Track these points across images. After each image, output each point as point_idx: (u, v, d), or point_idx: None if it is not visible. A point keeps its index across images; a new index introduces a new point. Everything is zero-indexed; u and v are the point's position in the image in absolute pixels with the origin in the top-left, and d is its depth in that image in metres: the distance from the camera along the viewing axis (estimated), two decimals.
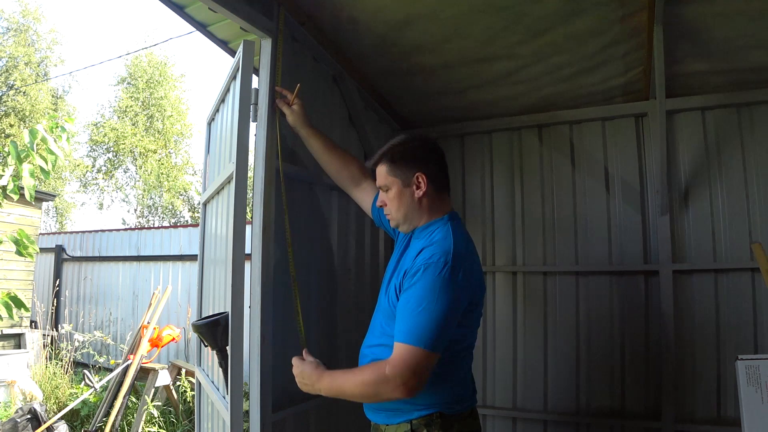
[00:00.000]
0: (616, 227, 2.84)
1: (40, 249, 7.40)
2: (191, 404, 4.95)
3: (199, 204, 8.83)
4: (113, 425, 4.04)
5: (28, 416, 4.08)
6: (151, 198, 18.80)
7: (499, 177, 3.13)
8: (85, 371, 4.28)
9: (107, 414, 4.13)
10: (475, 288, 1.48)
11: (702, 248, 2.64)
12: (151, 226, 16.83)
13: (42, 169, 2.64)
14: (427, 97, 2.86)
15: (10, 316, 2.55)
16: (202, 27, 2.25)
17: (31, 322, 7.67)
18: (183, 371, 5.20)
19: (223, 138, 2.10)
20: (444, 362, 1.43)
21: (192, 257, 7.29)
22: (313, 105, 2.10)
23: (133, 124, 18.51)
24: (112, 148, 18.64)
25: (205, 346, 1.92)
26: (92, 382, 4.11)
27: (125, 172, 19.33)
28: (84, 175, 19.23)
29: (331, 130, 2.34)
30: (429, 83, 2.65)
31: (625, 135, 2.86)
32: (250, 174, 1.79)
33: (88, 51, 43.18)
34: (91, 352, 6.68)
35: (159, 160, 18.71)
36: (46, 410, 4.33)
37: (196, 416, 2.55)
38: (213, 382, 2.11)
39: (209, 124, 2.55)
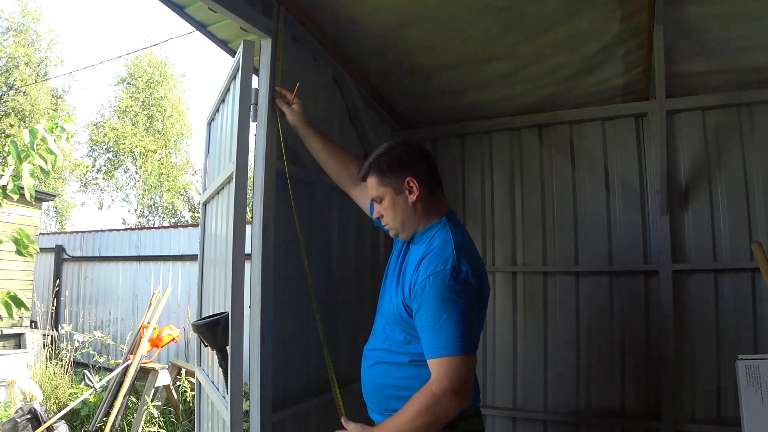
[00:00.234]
0: (616, 227, 2.84)
1: (40, 249, 7.39)
2: (191, 404, 4.95)
3: (199, 204, 8.83)
4: (113, 425, 4.04)
5: (28, 416, 4.08)
6: (151, 198, 18.79)
7: (499, 177, 3.13)
8: (85, 371, 4.27)
9: (107, 414, 4.13)
10: (482, 283, 1.49)
11: (702, 248, 2.64)
12: (152, 226, 16.84)
13: (42, 169, 2.63)
14: (427, 97, 2.85)
15: (10, 316, 2.55)
16: (202, 27, 2.25)
17: (31, 322, 7.67)
18: (183, 371, 5.20)
19: (223, 138, 2.10)
20: None
21: (192, 257, 7.29)
22: (313, 105, 2.10)
23: (133, 124, 18.51)
24: (112, 148, 18.64)
25: (205, 346, 1.92)
26: (92, 382, 4.11)
27: (125, 172, 19.34)
28: (84, 175, 19.23)
29: (331, 130, 2.34)
30: (429, 83, 2.65)
31: (625, 135, 2.86)
32: (250, 174, 1.79)
33: (88, 51, 43.20)
34: (91, 352, 6.68)
35: (159, 160, 18.71)
36: (46, 410, 4.32)
37: (196, 416, 2.55)
38: (213, 382, 2.11)
39: (209, 124, 2.55)
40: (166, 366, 4.94)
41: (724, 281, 2.58)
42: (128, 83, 18.88)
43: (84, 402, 4.77)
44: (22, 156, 2.57)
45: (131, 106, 18.49)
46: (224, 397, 1.78)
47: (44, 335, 7.08)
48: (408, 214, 1.55)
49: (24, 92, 16.64)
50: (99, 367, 6.48)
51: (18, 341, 6.73)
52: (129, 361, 4.27)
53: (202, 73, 44.44)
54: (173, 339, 4.66)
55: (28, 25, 17.26)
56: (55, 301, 7.84)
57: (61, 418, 4.29)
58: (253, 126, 1.83)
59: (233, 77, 1.95)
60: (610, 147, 2.90)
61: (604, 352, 2.79)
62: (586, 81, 2.59)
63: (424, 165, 1.60)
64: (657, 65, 2.19)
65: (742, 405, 1.87)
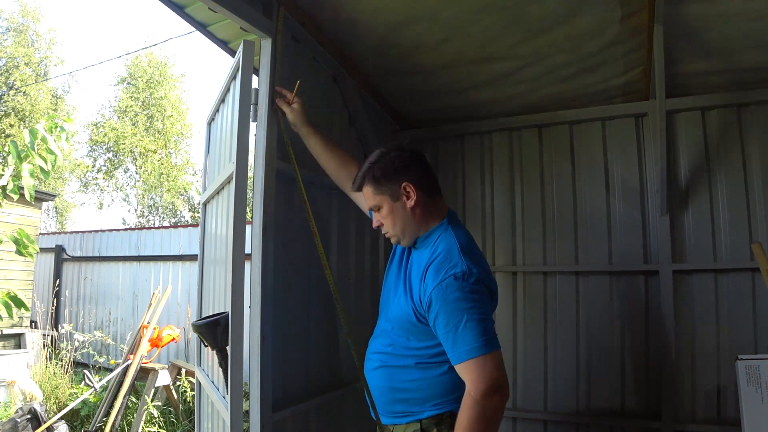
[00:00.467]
0: (616, 227, 2.84)
1: (40, 249, 7.40)
2: (191, 404, 4.95)
3: (199, 204, 8.83)
4: (113, 425, 4.04)
5: (28, 416, 4.07)
6: (151, 198, 18.79)
7: (499, 177, 3.13)
8: (85, 371, 4.27)
9: (107, 414, 4.13)
10: (491, 280, 1.49)
11: (702, 248, 2.64)
12: (152, 226, 16.84)
13: (42, 169, 2.63)
14: (427, 97, 2.85)
15: (10, 316, 2.55)
16: (202, 27, 2.25)
17: (31, 322, 7.67)
18: (183, 371, 5.20)
19: (223, 138, 2.09)
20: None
21: (192, 257, 7.29)
22: (313, 105, 2.10)
23: (133, 124, 18.51)
24: (112, 148, 18.64)
25: (205, 346, 1.92)
26: (92, 382, 4.11)
27: (125, 172, 19.34)
28: (84, 175, 19.23)
29: (331, 130, 2.34)
30: (429, 83, 2.65)
31: (625, 135, 2.86)
32: (250, 174, 1.79)
33: (88, 51, 43.19)
34: (91, 352, 6.67)
35: (159, 160, 18.71)
36: (46, 410, 4.32)
37: (196, 416, 2.55)
38: (213, 382, 2.11)
39: (209, 124, 2.54)
40: (166, 366, 4.94)
41: (724, 281, 2.58)
42: (128, 83, 18.88)
43: (84, 402, 4.77)
44: (22, 156, 2.57)
45: (131, 106, 18.49)
46: (224, 397, 1.78)
47: (44, 335, 7.08)
48: (408, 219, 1.54)
49: (24, 92, 16.63)
50: (99, 367, 6.48)
51: (18, 341, 6.73)
52: (129, 361, 4.27)
53: (202, 73, 44.45)
54: (173, 339, 4.66)
55: (28, 25, 17.26)
56: (55, 301, 7.84)
57: (61, 418, 4.29)
58: (253, 126, 1.83)
59: (233, 77, 1.95)
60: (610, 147, 2.90)
61: (604, 352, 2.79)
62: (586, 81, 2.58)
63: (419, 168, 1.58)
64: (657, 65, 2.19)
65: (742, 405, 1.87)
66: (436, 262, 1.44)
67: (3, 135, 15.96)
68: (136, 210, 19.26)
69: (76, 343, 6.57)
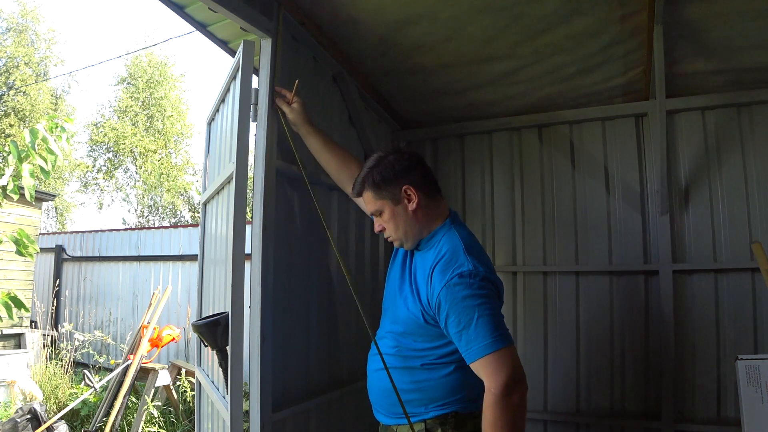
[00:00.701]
0: (616, 227, 2.84)
1: (40, 249, 7.39)
2: (191, 404, 4.95)
3: (199, 204, 8.83)
4: (113, 425, 4.04)
5: (28, 416, 4.07)
6: (151, 198, 18.80)
7: (499, 177, 3.13)
8: (85, 371, 4.27)
9: (107, 414, 4.13)
10: (496, 278, 1.49)
11: (702, 248, 2.64)
12: (152, 226, 16.84)
13: (42, 169, 2.64)
14: (427, 97, 2.85)
15: (10, 316, 2.55)
16: (202, 27, 2.25)
17: (31, 322, 7.67)
18: (183, 371, 5.20)
19: (223, 138, 2.09)
20: (457, 362, 1.44)
21: (192, 257, 7.29)
22: (313, 105, 2.10)
23: (133, 124, 18.51)
24: (112, 148, 18.64)
25: (205, 346, 1.92)
26: (92, 382, 4.11)
27: (125, 172, 19.34)
28: (84, 175, 19.23)
29: (331, 129, 2.34)
30: (429, 83, 2.65)
31: (625, 135, 2.86)
32: (250, 174, 1.79)
33: (88, 51, 43.18)
34: (91, 352, 6.68)
35: (159, 160, 18.72)
36: (46, 410, 4.32)
37: (196, 416, 2.55)
38: (213, 382, 2.11)
39: (209, 124, 2.54)
40: (166, 366, 4.94)
41: (724, 281, 2.58)
42: (128, 83, 18.88)
43: (84, 402, 4.77)
44: (22, 156, 2.57)
45: (131, 106, 18.49)
46: (224, 397, 1.78)
47: (44, 335, 7.08)
48: (410, 222, 1.53)
49: (24, 92, 16.63)
50: (99, 367, 6.48)
51: (18, 341, 6.73)
52: (129, 361, 4.27)
53: (202, 73, 44.45)
54: (173, 339, 4.66)
55: (27, 24, 17.26)
56: (55, 301, 7.84)
57: (61, 418, 4.29)
58: (253, 126, 1.83)
59: (233, 77, 1.95)
60: (610, 147, 2.90)
61: (604, 352, 2.79)
62: (586, 81, 2.59)
63: (419, 170, 1.57)
64: (657, 65, 2.19)
65: (742, 405, 1.87)
66: (441, 262, 1.44)
67: (3, 135, 15.96)
68: (136, 210, 19.27)
69: (76, 343, 6.57)
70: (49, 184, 17.35)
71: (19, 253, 2.60)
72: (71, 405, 4.49)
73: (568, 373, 2.84)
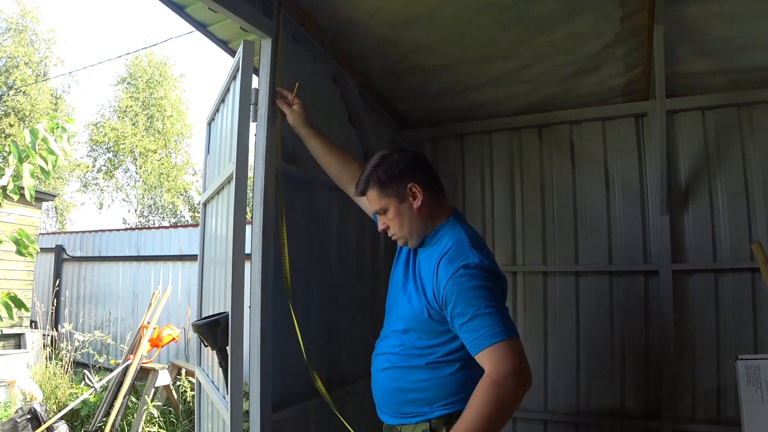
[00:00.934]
0: (616, 227, 2.84)
1: (40, 249, 7.39)
2: (191, 404, 4.95)
3: (199, 204, 8.83)
4: (113, 425, 4.04)
5: (28, 416, 4.07)
6: (151, 198, 18.80)
7: (499, 177, 3.13)
8: (85, 371, 4.27)
9: (107, 414, 4.13)
10: (501, 274, 1.49)
11: (702, 248, 2.64)
12: (152, 225, 16.84)
13: (42, 169, 2.63)
14: (427, 97, 2.86)
15: (10, 316, 2.55)
16: (202, 27, 2.25)
17: (31, 322, 7.67)
18: (183, 371, 5.20)
19: (223, 138, 2.10)
20: (462, 361, 1.44)
21: (192, 257, 7.29)
22: (313, 105, 2.10)
23: (133, 124, 18.51)
24: (112, 148, 18.64)
25: (205, 346, 1.92)
26: (92, 382, 4.11)
27: (125, 172, 19.34)
28: (84, 175, 19.23)
29: (331, 130, 2.34)
30: (429, 83, 2.65)
31: (625, 135, 2.87)
32: (250, 174, 1.79)
33: (88, 51, 43.19)
34: (91, 352, 6.67)
35: (159, 160, 18.72)
36: (46, 410, 4.32)
37: (196, 416, 2.55)
38: (213, 382, 2.11)
39: (209, 124, 2.55)
40: (166, 366, 4.94)
41: (724, 281, 2.58)
42: (128, 83, 18.88)
43: (84, 402, 4.77)
44: (22, 156, 2.57)
45: (131, 106, 18.49)
46: (224, 397, 1.78)
47: (44, 335, 7.07)
48: (415, 220, 1.54)
49: (24, 92, 16.63)
50: (99, 367, 6.48)
51: (18, 341, 6.73)
52: (129, 361, 4.27)
53: (202, 73, 44.45)
54: (173, 339, 4.66)
55: (27, 24, 17.26)
56: (55, 301, 7.83)
57: (61, 418, 4.29)
58: (253, 126, 1.83)
59: (233, 77, 1.95)
60: (610, 147, 2.90)
61: (604, 352, 2.79)
62: (586, 81, 2.59)
63: (423, 168, 1.58)
64: (657, 65, 2.19)
65: (742, 405, 1.87)
66: (447, 255, 1.44)
67: (3, 135, 15.97)
68: (136, 210, 19.27)
69: (76, 343, 6.57)
70: (49, 184, 17.34)
71: (19, 253, 2.60)
72: (71, 405, 4.49)
73: (568, 373, 2.84)
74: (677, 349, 2.61)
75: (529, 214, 3.03)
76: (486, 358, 1.33)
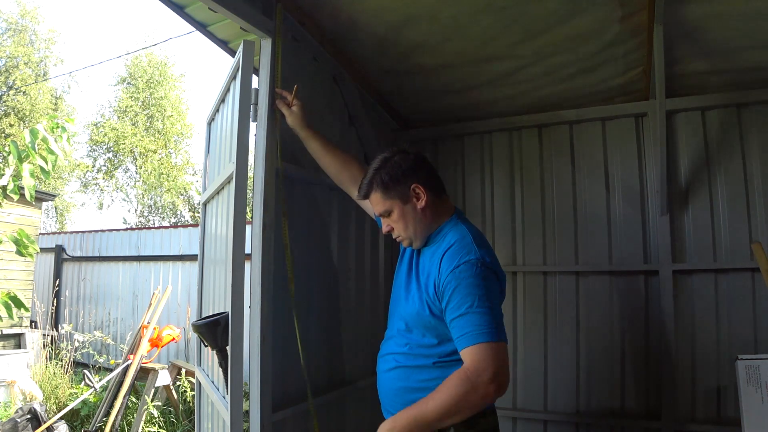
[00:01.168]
0: (616, 227, 2.84)
1: (40, 249, 7.39)
2: (191, 404, 4.95)
3: (199, 204, 8.83)
4: (113, 425, 4.04)
5: (28, 416, 4.07)
6: (151, 198, 18.80)
7: (499, 177, 3.13)
8: (85, 371, 4.27)
9: (107, 414, 4.13)
10: (502, 273, 1.50)
11: (702, 248, 2.64)
12: (152, 225, 16.84)
13: (42, 169, 2.63)
14: (427, 97, 2.86)
15: (10, 316, 2.55)
16: (202, 27, 2.25)
17: (31, 322, 7.67)
18: (183, 371, 5.20)
19: (223, 138, 2.10)
20: None
21: (192, 257, 7.29)
22: (313, 105, 2.10)
23: (133, 124, 18.51)
24: (112, 148, 18.64)
25: (205, 346, 1.92)
26: (92, 382, 4.11)
27: (125, 172, 19.34)
28: (84, 175, 19.23)
29: (331, 130, 2.34)
30: (429, 83, 2.65)
31: (625, 135, 2.86)
32: (250, 174, 1.79)
33: (88, 51, 43.18)
34: (91, 352, 6.68)
35: (159, 160, 18.72)
36: (46, 410, 4.32)
37: (196, 416, 2.55)
38: (213, 382, 2.11)
39: (209, 124, 2.55)
40: (166, 366, 4.94)
41: (724, 281, 2.58)
42: (128, 83, 18.88)
43: (84, 402, 4.77)
44: (22, 156, 2.57)
45: (131, 106, 18.49)
46: (224, 397, 1.78)
47: (44, 335, 7.08)
48: (419, 221, 1.54)
49: (24, 92, 16.63)
50: (99, 367, 6.48)
51: (18, 341, 6.73)
52: (129, 361, 4.28)
53: (202, 73, 44.44)
54: (173, 339, 4.66)
55: (26, 25, 17.25)
56: (55, 301, 7.83)
57: (61, 418, 4.29)
58: (253, 126, 1.83)
59: (233, 77, 1.96)
60: (610, 147, 2.90)
61: (604, 352, 2.79)
62: (586, 81, 2.59)
63: (425, 169, 1.59)
64: (657, 65, 2.19)
65: (742, 405, 1.87)
66: (451, 250, 1.45)
67: (3, 135, 15.96)
68: (136, 210, 19.27)
69: (76, 343, 6.57)
70: (49, 184, 17.34)
71: (19, 253, 2.60)
72: (71, 405, 4.49)
73: (568, 373, 2.84)
74: (677, 349, 2.61)
75: (529, 214, 3.03)
76: (468, 356, 1.33)
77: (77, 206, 20.42)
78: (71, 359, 6.22)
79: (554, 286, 2.93)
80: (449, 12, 1.99)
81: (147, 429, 4.54)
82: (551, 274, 2.95)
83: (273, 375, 1.75)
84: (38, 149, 2.61)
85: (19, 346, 6.68)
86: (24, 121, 16.30)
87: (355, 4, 1.95)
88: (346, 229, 2.46)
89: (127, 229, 10.30)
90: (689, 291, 2.64)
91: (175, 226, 10.55)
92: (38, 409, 4.13)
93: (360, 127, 2.62)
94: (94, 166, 19.20)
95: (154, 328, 4.48)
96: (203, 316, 2.10)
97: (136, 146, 18.25)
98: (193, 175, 19.54)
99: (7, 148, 2.58)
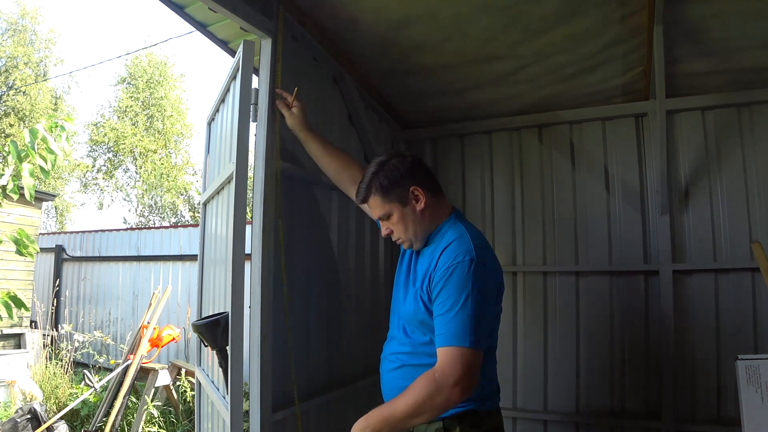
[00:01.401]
0: (616, 227, 2.84)
1: (40, 249, 7.39)
2: (191, 404, 4.95)
3: (199, 204, 8.83)
4: (113, 425, 4.04)
5: (28, 416, 4.07)
6: (151, 197, 18.80)
7: (499, 177, 3.13)
8: (85, 371, 4.27)
9: (107, 414, 4.13)
10: (499, 275, 1.50)
11: (702, 248, 2.64)
12: (152, 225, 16.84)
13: (42, 168, 2.63)
14: (427, 97, 2.85)
15: (10, 316, 2.55)
16: (202, 27, 2.25)
17: (31, 322, 7.67)
18: (183, 371, 5.20)
19: (223, 138, 2.10)
20: None
21: (192, 257, 7.29)
22: (313, 105, 2.10)
23: (133, 124, 18.51)
24: (112, 148, 18.64)
25: (205, 346, 1.92)
26: (92, 382, 4.11)
27: (125, 172, 19.34)
28: (84, 175, 19.23)
29: (331, 130, 2.34)
30: (429, 83, 2.65)
31: (625, 135, 2.86)
32: (250, 174, 1.79)
33: (88, 51, 43.18)
34: (91, 352, 6.67)
35: (159, 160, 18.72)
36: (46, 410, 4.32)
37: (196, 416, 2.55)
38: (213, 382, 2.11)
39: (209, 124, 2.55)
40: (166, 366, 4.94)
41: (724, 281, 2.58)
42: (128, 83, 18.88)
43: (84, 402, 4.77)
44: (22, 156, 2.57)
45: (131, 106, 18.49)
46: (224, 397, 1.78)
47: (44, 335, 7.07)
48: (418, 223, 1.55)
49: (24, 92, 16.63)
50: (99, 367, 6.48)
51: (18, 341, 6.73)
52: (129, 361, 4.27)
53: (202, 73, 44.44)
54: (173, 339, 4.66)
55: (26, 25, 17.25)
56: (55, 301, 7.83)
57: (61, 418, 4.29)
58: (253, 126, 1.83)
59: (233, 77, 1.95)
60: (610, 147, 2.90)
61: (604, 352, 2.79)
62: (586, 81, 2.59)
63: (422, 171, 1.60)
64: (657, 65, 2.19)
65: (742, 405, 1.87)
66: (449, 248, 1.45)
67: (3, 135, 15.96)
68: (136, 210, 19.27)
69: (76, 343, 6.57)
70: (49, 184, 17.34)
71: (19, 253, 2.60)
72: (71, 405, 4.49)
73: (568, 372, 2.84)
74: (677, 349, 2.61)
75: (529, 214, 3.03)
76: (440, 356, 1.35)
77: (77, 206, 20.44)
78: (71, 359, 6.21)
79: (554, 286, 2.93)
80: (449, 12, 1.99)
81: (147, 429, 4.54)
82: (551, 274, 2.95)
83: (273, 375, 1.75)
84: (38, 149, 2.61)
85: (19, 346, 6.67)
86: (24, 121, 16.30)
87: (355, 4, 1.95)
88: (346, 229, 2.46)
89: (127, 229, 10.30)
90: (689, 291, 2.64)
91: (175, 226, 10.55)
92: (38, 409, 4.13)
93: (360, 127, 2.62)
94: (94, 166, 19.20)
95: (154, 328, 4.48)
96: (203, 316, 2.10)
97: (136, 146, 18.25)
98: (193, 175, 19.55)
99: (6, 148, 2.58)
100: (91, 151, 19.25)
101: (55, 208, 19.55)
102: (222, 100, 2.22)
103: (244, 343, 1.70)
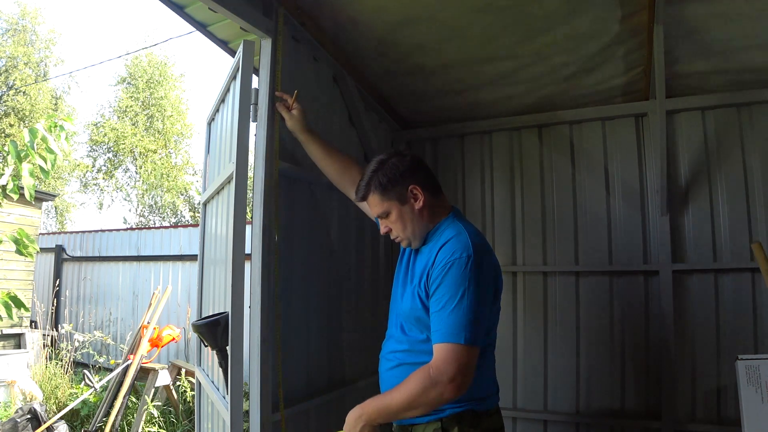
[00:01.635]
0: (616, 227, 2.84)
1: (40, 249, 7.39)
2: (191, 404, 4.95)
3: (199, 204, 8.83)
4: (113, 425, 4.04)
5: (28, 416, 4.08)
6: (151, 197, 18.80)
7: (499, 177, 3.13)
8: (85, 371, 4.27)
9: (107, 414, 4.13)
10: (497, 273, 1.50)
11: (702, 248, 2.64)
12: (152, 225, 16.84)
13: (42, 168, 2.63)
14: (427, 97, 2.85)
15: (10, 316, 2.55)
16: (202, 27, 2.25)
17: (31, 322, 7.67)
18: (183, 371, 5.20)
19: (223, 138, 2.10)
20: None
21: (192, 257, 7.29)
22: (313, 105, 2.10)
23: (133, 124, 18.50)
24: (112, 148, 18.64)
25: (205, 346, 1.92)
26: (92, 382, 4.11)
27: (125, 172, 19.33)
28: (84, 175, 19.22)
29: (331, 130, 2.34)
30: (429, 83, 2.65)
31: (625, 135, 2.86)
32: (250, 174, 1.79)
33: (88, 51, 43.18)
34: (91, 352, 6.67)
35: (159, 160, 18.71)
36: (46, 410, 4.32)
37: (196, 416, 2.55)
38: (213, 382, 2.11)
39: (209, 124, 2.55)
40: (166, 366, 4.94)
41: (724, 281, 2.58)
42: (128, 83, 18.87)
43: (84, 402, 4.77)
44: (21, 155, 2.57)
45: (131, 106, 18.48)
46: (224, 397, 1.78)
47: (44, 335, 7.07)
48: (416, 221, 1.56)
49: (24, 92, 16.63)
50: (99, 367, 6.48)
51: (18, 341, 6.73)
52: (129, 361, 4.27)
53: (202, 73, 44.43)
54: (173, 339, 4.66)
55: (26, 25, 17.25)
56: (55, 301, 7.83)
57: (61, 418, 4.29)
58: (253, 126, 1.83)
59: (233, 77, 1.95)
60: (610, 147, 2.90)
61: (604, 352, 2.79)
62: (586, 81, 2.58)
63: (422, 170, 1.60)
64: (657, 65, 2.19)
65: (742, 405, 1.87)
66: (447, 245, 1.46)
67: (3, 135, 15.96)
68: (136, 210, 19.27)
69: (76, 343, 6.57)
70: (49, 184, 17.34)
71: (19, 252, 2.60)
72: (71, 405, 4.49)
73: (568, 373, 2.84)
74: (677, 350, 2.61)
75: (529, 214, 3.03)
76: (436, 352, 1.36)
77: (77, 206, 20.42)
78: (71, 359, 6.21)
79: (554, 286, 2.93)
80: (449, 12, 1.99)
81: (147, 429, 4.54)
82: (551, 274, 2.95)
83: (273, 375, 1.75)
84: (37, 149, 2.61)
85: (19, 346, 6.67)
86: (24, 121, 16.29)
87: (355, 4, 1.95)
88: (346, 229, 2.46)
89: (127, 229, 10.30)
90: (689, 291, 2.64)
91: (175, 226, 10.54)
92: (38, 409, 4.13)
93: (360, 127, 2.62)
94: (94, 166, 19.18)
95: (154, 328, 4.48)
96: (203, 316, 2.10)
97: (136, 146, 18.24)
98: (193, 175, 19.54)
99: (6, 148, 2.58)
100: (91, 151, 19.25)
101: (55, 208, 19.54)
102: (222, 100, 2.22)
103: (244, 343, 1.69)
